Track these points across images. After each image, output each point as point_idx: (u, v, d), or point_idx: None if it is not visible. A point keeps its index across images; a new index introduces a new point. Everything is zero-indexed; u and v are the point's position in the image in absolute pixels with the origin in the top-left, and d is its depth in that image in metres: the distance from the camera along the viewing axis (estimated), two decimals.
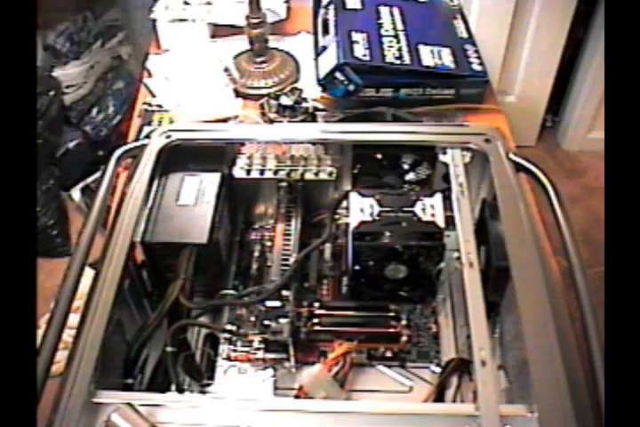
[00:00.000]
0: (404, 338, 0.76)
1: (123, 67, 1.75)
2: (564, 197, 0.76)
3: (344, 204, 0.82)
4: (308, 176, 0.86)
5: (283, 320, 0.74)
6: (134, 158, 0.82)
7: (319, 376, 0.71)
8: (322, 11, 1.15)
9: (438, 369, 0.77)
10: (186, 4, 1.22)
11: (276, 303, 0.75)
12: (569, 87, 1.99)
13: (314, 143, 0.87)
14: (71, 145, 1.68)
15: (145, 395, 0.63)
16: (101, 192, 0.75)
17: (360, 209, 0.76)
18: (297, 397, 0.71)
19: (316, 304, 0.78)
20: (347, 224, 0.77)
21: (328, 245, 0.88)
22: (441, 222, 0.75)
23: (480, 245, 0.72)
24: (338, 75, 0.99)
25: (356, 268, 0.76)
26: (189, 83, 1.11)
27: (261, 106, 1.00)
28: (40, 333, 0.60)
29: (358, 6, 1.12)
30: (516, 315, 0.64)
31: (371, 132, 0.85)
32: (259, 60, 1.10)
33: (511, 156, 0.79)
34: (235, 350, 0.76)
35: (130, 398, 0.58)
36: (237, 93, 1.09)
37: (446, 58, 1.03)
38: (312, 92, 1.03)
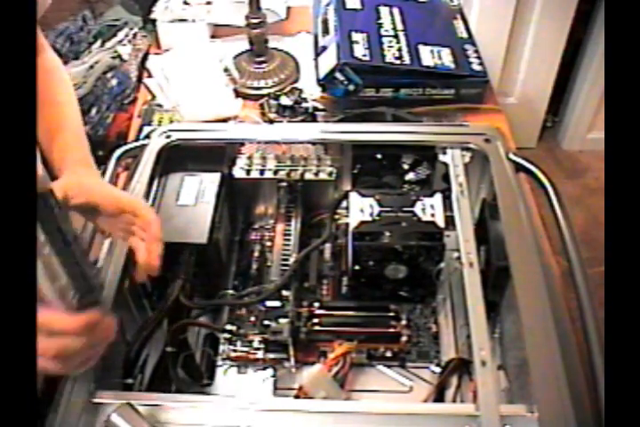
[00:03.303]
0: (404, 338, 0.76)
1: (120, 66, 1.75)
2: (563, 197, 0.76)
3: (344, 204, 0.82)
4: (308, 176, 0.86)
5: (283, 320, 0.74)
6: (134, 158, 0.82)
7: (319, 376, 0.71)
8: (322, 11, 1.15)
9: (438, 369, 0.77)
10: (186, 4, 1.22)
11: (276, 303, 0.75)
12: (569, 87, 1.99)
13: (314, 143, 0.87)
14: None
15: (145, 395, 0.63)
16: None
17: (360, 209, 0.76)
18: (297, 397, 0.70)
19: (316, 304, 0.78)
20: (347, 224, 0.77)
21: (328, 245, 0.88)
22: (441, 222, 0.75)
23: (480, 245, 0.72)
24: (338, 75, 0.99)
25: (356, 268, 0.76)
26: (189, 83, 1.11)
27: (261, 106, 1.00)
28: None
29: (358, 6, 1.12)
30: (516, 315, 0.64)
31: (371, 132, 0.85)
32: (259, 60, 1.10)
33: (511, 156, 0.79)
34: (235, 350, 0.76)
35: (130, 398, 0.58)
36: (237, 93, 1.09)
37: (446, 58, 1.03)
38: (312, 92, 1.03)
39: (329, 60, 1.01)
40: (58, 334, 0.50)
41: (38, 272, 0.49)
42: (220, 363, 0.78)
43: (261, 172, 0.86)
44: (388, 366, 0.78)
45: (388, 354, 0.77)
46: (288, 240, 0.84)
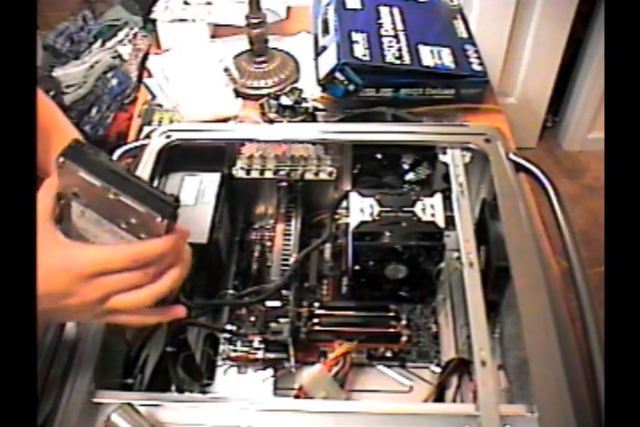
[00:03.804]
0: (404, 338, 0.76)
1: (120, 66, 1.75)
2: (563, 197, 0.76)
3: (344, 204, 0.82)
4: (308, 176, 0.86)
5: (283, 320, 0.74)
6: (134, 158, 0.82)
7: (319, 376, 0.71)
8: (322, 11, 1.15)
9: (438, 369, 0.77)
10: (186, 3, 1.22)
11: (276, 303, 0.75)
12: (569, 87, 1.99)
13: (314, 143, 0.87)
14: None
15: (145, 395, 0.63)
16: None
17: (360, 209, 0.76)
18: (297, 397, 0.70)
19: (316, 304, 0.78)
20: (347, 224, 0.77)
21: (328, 245, 0.88)
22: (441, 222, 0.75)
23: (480, 245, 0.72)
24: (338, 75, 0.99)
25: (356, 268, 0.76)
26: (189, 83, 1.11)
27: (261, 106, 1.00)
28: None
29: (358, 6, 1.12)
30: (516, 315, 0.64)
31: (371, 132, 0.85)
32: (259, 60, 1.10)
33: (511, 156, 0.79)
34: (235, 350, 0.76)
35: (130, 398, 0.58)
36: (237, 93, 1.09)
37: (446, 58, 1.03)
38: (312, 92, 1.03)
39: (329, 60, 1.01)
40: (155, 260, 0.49)
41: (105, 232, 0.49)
42: (220, 363, 0.78)
43: (261, 172, 0.86)
44: (388, 366, 0.78)
45: (388, 354, 0.77)
46: (288, 240, 0.83)
